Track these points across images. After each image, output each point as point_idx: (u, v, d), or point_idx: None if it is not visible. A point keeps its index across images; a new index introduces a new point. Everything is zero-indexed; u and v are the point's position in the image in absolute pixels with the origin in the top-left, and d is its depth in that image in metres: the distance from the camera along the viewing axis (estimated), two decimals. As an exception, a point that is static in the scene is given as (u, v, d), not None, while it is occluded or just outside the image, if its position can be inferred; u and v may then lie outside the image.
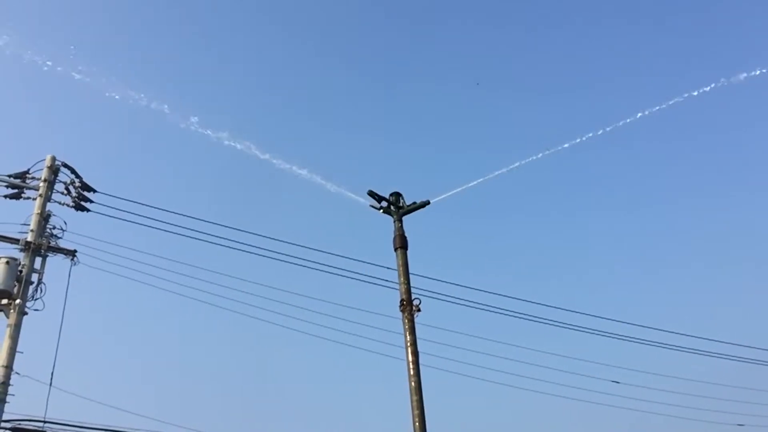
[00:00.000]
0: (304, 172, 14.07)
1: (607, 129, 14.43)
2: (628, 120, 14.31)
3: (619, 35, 65.67)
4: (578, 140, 14.19)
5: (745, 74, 14.09)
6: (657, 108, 14.29)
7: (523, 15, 68.69)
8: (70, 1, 59.37)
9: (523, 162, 14.09)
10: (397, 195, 13.32)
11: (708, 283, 53.77)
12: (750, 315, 47.08)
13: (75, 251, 14.43)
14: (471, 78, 66.70)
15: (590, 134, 14.34)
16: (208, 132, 15.72)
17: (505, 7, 69.68)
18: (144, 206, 15.13)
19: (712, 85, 14.27)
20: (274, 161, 14.29)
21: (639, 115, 14.52)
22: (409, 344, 11.94)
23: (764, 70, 13.80)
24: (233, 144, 14.88)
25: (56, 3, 57.62)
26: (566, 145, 14.02)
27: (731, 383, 22.15)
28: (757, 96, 57.34)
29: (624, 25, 65.10)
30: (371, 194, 13.18)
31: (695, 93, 14.44)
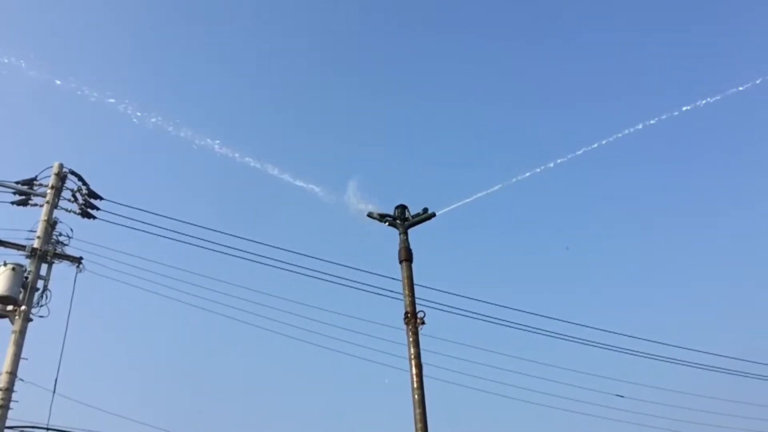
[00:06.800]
0: (310, 186, 14.09)
1: (610, 140, 14.40)
2: (628, 131, 14.28)
3: (617, 47, 65.70)
4: (580, 152, 14.17)
5: (748, 84, 14.07)
6: (658, 119, 14.26)
7: (527, 28, 68.86)
8: (67, 9, 59.83)
9: (527, 174, 14.10)
10: (403, 207, 13.31)
11: (713, 297, 53.51)
12: (755, 329, 46.89)
13: (81, 258, 14.47)
14: (476, 90, 66.83)
15: (594, 145, 14.30)
16: (215, 143, 15.77)
17: (509, 21, 69.88)
18: (150, 214, 15.18)
19: (718, 96, 14.25)
20: (282, 175, 14.32)
21: (640, 125, 14.49)
22: (412, 357, 11.91)
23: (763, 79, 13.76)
24: (241, 157, 14.92)
25: (52, 10, 58.00)
26: (567, 158, 14.00)
27: (735, 398, 22.04)
28: (761, 104, 57.19)
29: (624, 36, 65.17)
30: (370, 216, 13.22)
31: (702, 102, 14.39)
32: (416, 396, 11.60)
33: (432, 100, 66.22)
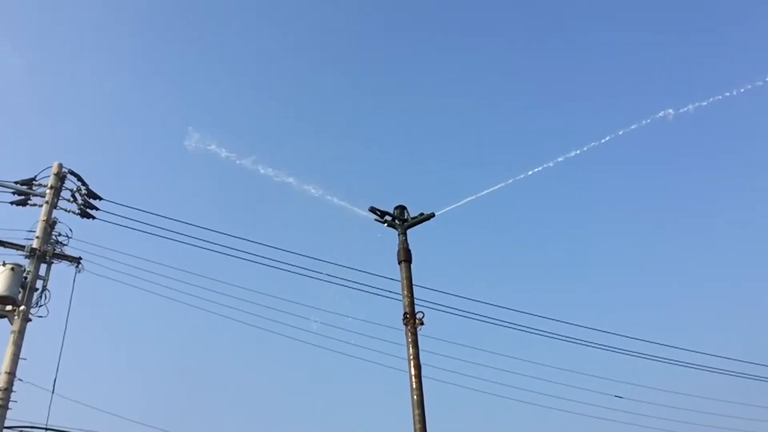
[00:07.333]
0: (309, 187, 14.07)
1: (607, 139, 14.31)
2: (627, 131, 14.19)
3: (618, 47, 65.68)
4: (578, 152, 14.10)
5: (748, 84, 13.97)
6: (659, 116, 14.17)
7: (527, 28, 68.86)
8: (67, 9, 59.85)
9: (525, 174, 14.03)
10: (402, 208, 13.29)
11: (714, 297, 53.50)
12: (756, 330, 46.90)
13: (80, 258, 14.47)
14: (475, 90, 66.82)
15: (591, 144, 14.21)
16: (214, 143, 15.75)
17: (509, 21, 69.87)
18: (149, 214, 15.17)
19: (719, 97, 14.17)
20: (282, 177, 14.29)
21: (644, 122, 14.39)
22: (411, 358, 11.89)
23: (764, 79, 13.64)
24: (240, 158, 14.90)
25: (52, 10, 58.00)
26: (562, 159, 13.93)
27: (734, 399, 22.04)
28: (761, 104, 57.19)
29: (625, 36, 65.17)
30: (372, 210, 13.20)
31: (702, 103, 14.30)
32: (415, 397, 11.58)
33: (432, 100, 66.28)
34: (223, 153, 14.31)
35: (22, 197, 14.77)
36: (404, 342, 12.22)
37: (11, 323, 13.40)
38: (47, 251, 14.09)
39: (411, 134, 67.31)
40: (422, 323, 12.16)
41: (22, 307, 13.42)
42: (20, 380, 13.10)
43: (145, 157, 58.65)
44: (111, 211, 15.20)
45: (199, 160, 58.23)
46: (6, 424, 12.79)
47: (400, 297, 12.66)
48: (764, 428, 22.67)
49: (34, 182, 14.89)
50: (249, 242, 15.44)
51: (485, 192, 13.75)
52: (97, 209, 15.20)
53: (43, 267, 14.11)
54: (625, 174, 62.14)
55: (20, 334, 13.32)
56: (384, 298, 14.44)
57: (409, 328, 12.17)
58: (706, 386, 22.19)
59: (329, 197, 13.81)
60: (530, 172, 13.85)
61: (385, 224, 13.23)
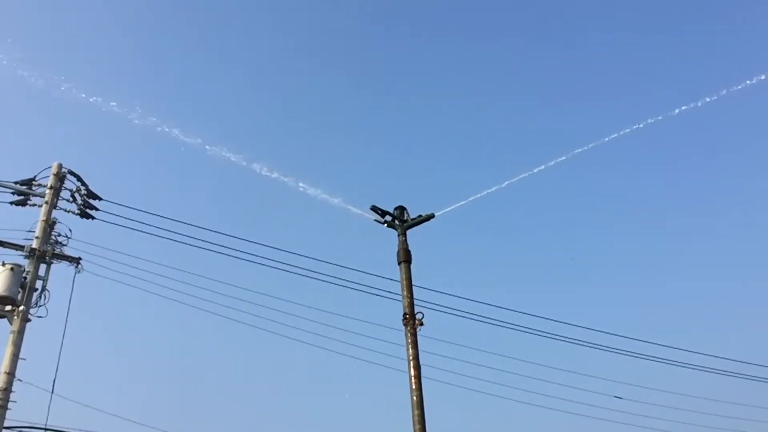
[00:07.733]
0: (309, 187, 14.07)
1: (606, 139, 14.28)
2: (629, 130, 14.15)
3: (617, 47, 65.69)
4: (577, 151, 14.08)
5: (747, 83, 13.92)
6: (659, 117, 14.15)
7: (527, 28, 68.88)
8: (67, 9, 59.87)
9: (525, 174, 14.02)
10: (402, 209, 13.31)
11: (716, 298, 53.47)
12: (758, 330, 46.91)
13: (79, 258, 14.45)
14: (475, 90, 66.85)
15: (591, 144, 14.19)
16: (215, 144, 15.76)
17: (509, 21, 69.91)
18: (149, 215, 15.16)
19: (717, 95, 14.15)
20: (282, 178, 14.29)
21: (641, 124, 14.36)
22: (411, 358, 11.91)
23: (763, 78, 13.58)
24: (240, 158, 14.90)
25: (52, 10, 57.95)
26: (564, 158, 13.90)
27: (735, 400, 22.04)
28: (761, 103, 57.16)
29: (625, 37, 65.18)
30: (374, 209, 13.20)
31: (702, 102, 14.27)
32: (415, 397, 11.59)
33: (432, 100, 66.28)
34: (220, 150, 14.26)
35: (22, 197, 14.76)
36: (404, 342, 12.24)
37: (11, 323, 13.39)
38: (47, 251, 14.08)
39: (411, 134, 67.33)
40: (422, 324, 12.17)
41: (21, 308, 13.41)
42: (19, 380, 13.09)
43: (145, 157, 58.69)
44: (110, 212, 15.20)
45: (199, 160, 58.18)
46: (5, 425, 12.78)
47: (400, 297, 12.68)
48: (764, 428, 22.66)
49: (33, 182, 14.88)
50: (249, 242, 15.44)
51: (485, 192, 13.76)
52: (96, 209, 15.19)
53: (43, 267, 14.09)
54: (625, 174, 62.14)
55: (19, 334, 13.31)
56: (384, 298, 14.44)
57: (408, 328, 12.18)
58: (706, 386, 22.20)
59: (330, 197, 13.82)
60: (530, 172, 13.85)
61: (385, 224, 13.24)
